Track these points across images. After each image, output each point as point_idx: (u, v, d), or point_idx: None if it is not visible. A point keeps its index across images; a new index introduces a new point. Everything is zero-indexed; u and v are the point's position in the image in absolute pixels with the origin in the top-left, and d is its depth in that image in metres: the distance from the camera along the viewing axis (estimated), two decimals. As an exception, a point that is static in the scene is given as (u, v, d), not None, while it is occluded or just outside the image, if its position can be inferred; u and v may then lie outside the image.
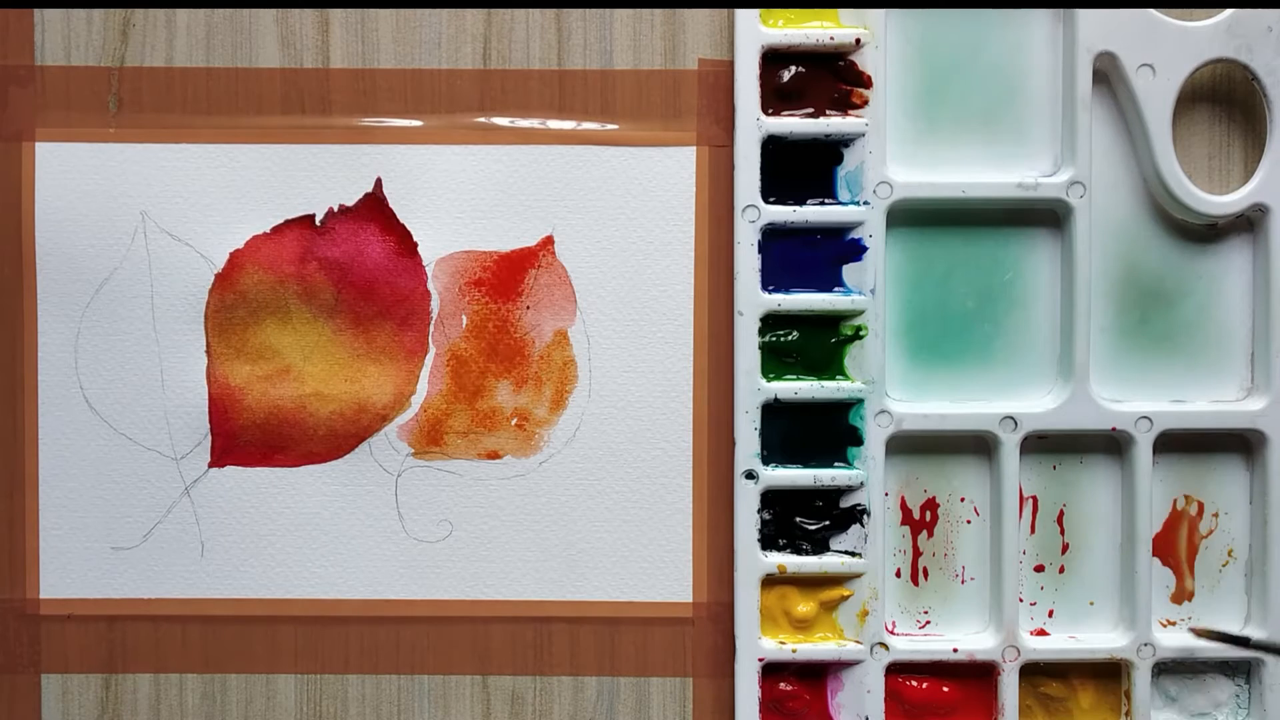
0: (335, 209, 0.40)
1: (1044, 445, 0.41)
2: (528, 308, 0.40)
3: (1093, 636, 0.41)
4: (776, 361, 0.40)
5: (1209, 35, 0.39)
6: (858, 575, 0.40)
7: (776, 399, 0.40)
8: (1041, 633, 0.41)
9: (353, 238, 0.40)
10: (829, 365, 0.40)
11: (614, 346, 0.41)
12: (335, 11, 0.40)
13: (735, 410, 0.40)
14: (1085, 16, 0.39)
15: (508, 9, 0.40)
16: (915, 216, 0.40)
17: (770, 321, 0.40)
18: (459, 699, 0.41)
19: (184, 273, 0.40)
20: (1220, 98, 0.41)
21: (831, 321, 0.40)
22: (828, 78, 0.40)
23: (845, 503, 0.40)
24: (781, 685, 0.40)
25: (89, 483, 0.40)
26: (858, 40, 0.39)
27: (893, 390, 0.41)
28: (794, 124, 0.40)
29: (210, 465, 0.41)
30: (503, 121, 0.40)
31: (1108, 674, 0.41)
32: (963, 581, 0.41)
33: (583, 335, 0.41)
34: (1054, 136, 0.40)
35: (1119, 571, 0.41)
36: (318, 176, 0.40)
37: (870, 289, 0.40)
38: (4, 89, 0.40)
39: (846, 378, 0.40)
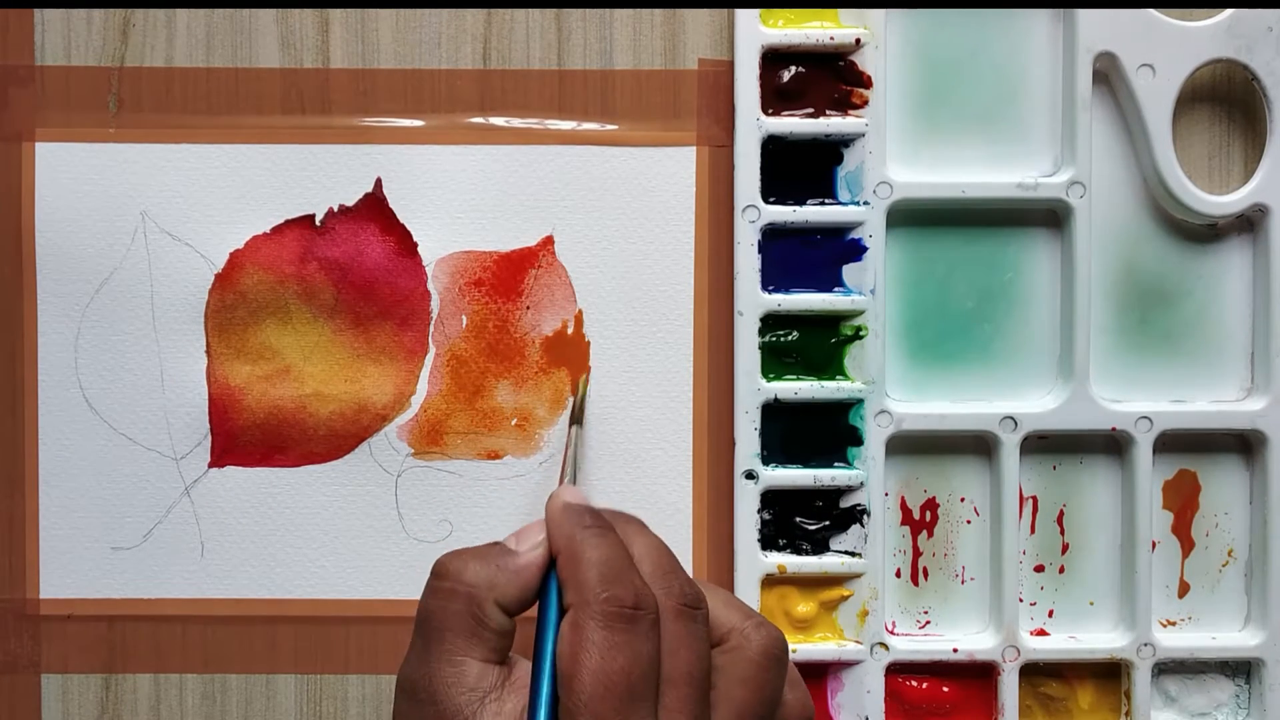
0: (335, 209, 0.40)
1: (1044, 445, 0.41)
2: (528, 308, 0.41)
3: (1093, 636, 0.41)
4: (776, 361, 0.40)
5: (1209, 35, 0.39)
6: (858, 575, 0.40)
7: (776, 399, 0.40)
8: (1041, 633, 0.41)
9: (353, 238, 0.40)
10: (829, 365, 0.40)
11: (614, 346, 0.41)
12: (335, 11, 0.40)
13: (735, 410, 0.40)
14: (1085, 16, 0.39)
15: (508, 9, 0.40)
16: (915, 216, 0.40)
17: (770, 321, 0.40)
18: (459, 699, 0.41)
19: (184, 273, 0.40)
20: (1220, 98, 0.41)
21: (831, 321, 0.40)
22: (828, 78, 0.40)
23: (845, 503, 0.40)
24: (781, 685, 0.40)
25: (89, 483, 0.40)
26: (858, 40, 0.39)
27: (893, 390, 0.41)
28: (794, 124, 0.40)
29: (210, 465, 0.41)
30: (502, 121, 0.40)
31: (1108, 674, 0.41)
32: (963, 581, 0.41)
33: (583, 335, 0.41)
34: (1054, 136, 0.40)
35: (1119, 571, 0.41)
36: (318, 176, 0.40)
37: (870, 289, 0.40)
38: (4, 89, 0.40)
39: (846, 378, 0.40)
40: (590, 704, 0.28)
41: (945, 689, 0.41)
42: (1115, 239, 0.41)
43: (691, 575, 0.40)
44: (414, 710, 0.31)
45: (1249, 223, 0.41)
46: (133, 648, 0.41)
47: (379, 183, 0.40)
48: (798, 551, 0.40)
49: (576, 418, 0.39)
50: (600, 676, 0.29)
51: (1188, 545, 0.41)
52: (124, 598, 0.41)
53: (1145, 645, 0.40)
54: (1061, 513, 0.41)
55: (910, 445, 0.41)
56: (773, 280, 0.40)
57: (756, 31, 0.39)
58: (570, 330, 0.40)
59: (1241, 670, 0.41)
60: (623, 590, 0.30)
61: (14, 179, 0.40)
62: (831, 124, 0.40)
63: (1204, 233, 0.41)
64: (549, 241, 0.40)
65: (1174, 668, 0.41)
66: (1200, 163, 0.41)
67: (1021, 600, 0.41)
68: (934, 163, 0.40)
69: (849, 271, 0.40)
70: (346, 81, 0.40)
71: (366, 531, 0.41)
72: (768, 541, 0.40)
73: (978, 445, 0.41)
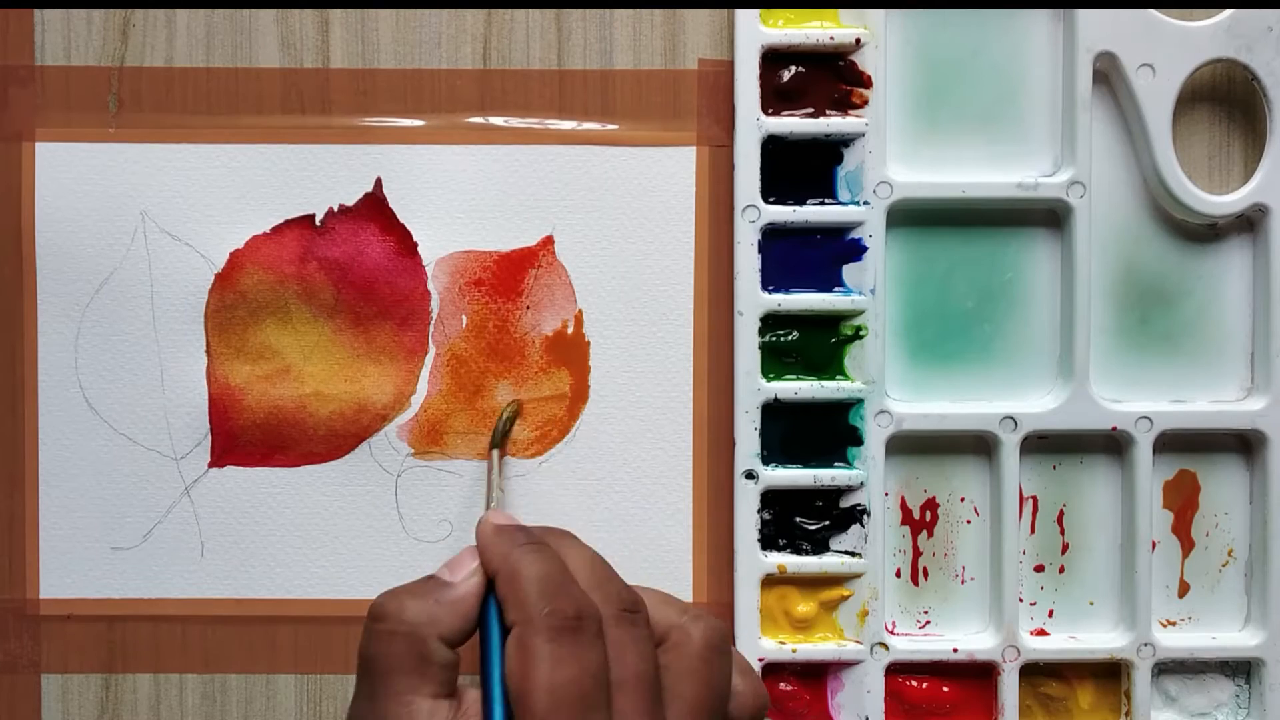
0: (335, 209, 0.40)
1: (1044, 445, 0.41)
2: (528, 308, 0.41)
3: (1093, 636, 0.41)
4: (776, 361, 0.40)
5: (1209, 35, 0.39)
6: (858, 575, 0.40)
7: (776, 399, 0.40)
8: (1041, 633, 0.41)
9: (353, 238, 0.40)
10: (829, 365, 0.40)
11: (614, 346, 0.41)
12: (335, 11, 0.40)
13: (735, 410, 0.40)
14: (1085, 16, 0.39)
15: (508, 9, 0.40)
16: (915, 216, 0.40)
17: (770, 321, 0.40)
18: (459, 699, 0.41)
19: (184, 273, 0.40)
20: (1220, 98, 0.41)
21: (831, 321, 0.40)
22: (828, 78, 0.40)
23: (845, 503, 0.40)
24: (781, 685, 0.40)
25: (89, 483, 0.40)
26: (858, 40, 0.39)
27: (893, 390, 0.41)
28: (794, 124, 0.40)
29: (210, 465, 0.41)
30: (502, 121, 0.40)
31: (1108, 674, 0.41)
32: (963, 581, 0.41)
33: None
34: (1054, 136, 0.40)
35: (1119, 571, 0.41)
36: (318, 176, 0.40)
37: (870, 289, 0.40)
38: (4, 89, 0.40)
39: (846, 378, 0.40)
40: (546, 718, 0.29)
41: (945, 689, 0.41)
42: (1115, 239, 0.41)
43: (691, 575, 0.40)
44: None
45: (1249, 223, 0.41)
46: (133, 648, 0.41)
47: (379, 183, 0.40)
48: (798, 551, 0.40)
49: (497, 442, 0.39)
50: (551, 689, 0.29)
51: (1188, 545, 0.41)
52: (124, 598, 0.41)
53: (1145, 645, 0.40)
54: (1061, 513, 0.41)
55: (910, 445, 0.41)
56: (773, 280, 0.40)
57: (756, 31, 0.39)
58: (570, 330, 0.40)
59: (1241, 670, 0.41)
60: (564, 602, 0.30)
61: (14, 179, 0.40)
62: (831, 124, 0.40)
63: (1204, 233, 0.41)
64: (549, 241, 0.40)
65: (1174, 668, 0.41)
66: (1200, 163, 0.41)
67: (1021, 600, 0.41)
68: (934, 163, 0.40)
69: (849, 271, 0.40)
70: (346, 81, 0.40)
71: (366, 531, 0.41)
72: (768, 541, 0.40)
73: (978, 445, 0.41)
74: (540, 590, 0.30)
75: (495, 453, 0.38)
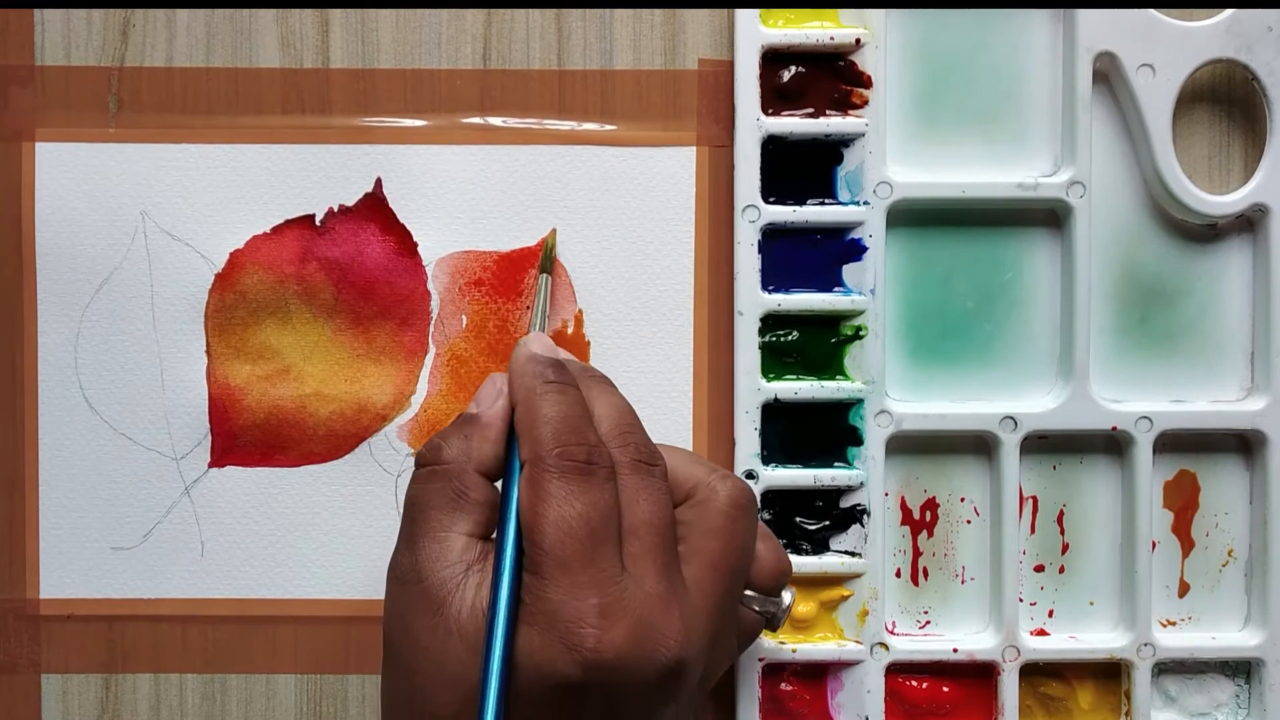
0: (335, 209, 0.40)
1: (1044, 445, 0.41)
2: (528, 308, 0.41)
3: (1093, 636, 0.41)
4: (776, 361, 0.40)
5: (1209, 35, 0.39)
6: (858, 575, 0.40)
7: (776, 399, 0.40)
8: (1041, 633, 0.41)
9: (353, 238, 0.40)
10: (829, 365, 0.40)
11: (614, 346, 0.41)
12: (335, 11, 0.40)
13: (735, 410, 0.40)
14: (1085, 16, 0.39)
15: (508, 9, 0.40)
16: (915, 216, 0.40)
17: (770, 321, 0.40)
18: (459, 699, 0.41)
19: (184, 273, 0.40)
20: (1220, 98, 0.41)
21: (831, 321, 0.40)
22: (828, 78, 0.40)
23: (845, 503, 0.40)
24: (781, 685, 0.40)
25: (89, 483, 0.40)
26: (858, 40, 0.39)
27: (893, 390, 0.41)
28: (794, 124, 0.40)
29: (210, 465, 0.41)
30: (502, 121, 0.40)
31: (1108, 674, 0.41)
32: (963, 581, 0.41)
33: (582, 335, 0.41)
34: (1054, 136, 0.40)
35: (1119, 571, 0.41)
36: (318, 176, 0.40)
37: (870, 289, 0.40)
38: (4, 89, 0.40)
39: (846, 378, 0.40)
40: (552, 550, 0.29)
41: (945, 689, 0.41)
42: (1115, 239, 0.41)
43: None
44: (401, 592, 0.31)
45: (1249, 223, 0.41)
46: (133, 648, 0.41)
47: (379, 183, 0.40)
48: (798, 551, 0.40)
49: (546, 267, 0.39)
50: (559, 524, 0.29)
51: (1188, 545, 0.41)
52: (124, 598, 0.41)
53: (1145, 645, 0.40)
54: (1061, 513, 0.41)
55: (910, 445, 0.41)
56: (773, 280, 0.40)
57: (756, 31, 0.39)
58: (570, 330, 0.41)
59: (1241, 670, 0.41)
60: (575, 448, 0.30)
61: (14, 179, 0.40)
62: (831, 124, 0.40)
63: (1204, 233, 0.41)
64: (549, 241, 0.40)
65: (1174, 668, 0.41)
66: (1200, 163, 0.41)
67: (1021, 600, 0.41)
68: (934, 163, 0.40)
69: (849, 271, 0.40)
70: (346, 81, 0.40)
71: (366, 531, 0.41)
72: (768, 541, 0.40)
73: (978, 445, 0.41)
74: (554, 432, 0.30)
75: (545, 277, 0.39)
